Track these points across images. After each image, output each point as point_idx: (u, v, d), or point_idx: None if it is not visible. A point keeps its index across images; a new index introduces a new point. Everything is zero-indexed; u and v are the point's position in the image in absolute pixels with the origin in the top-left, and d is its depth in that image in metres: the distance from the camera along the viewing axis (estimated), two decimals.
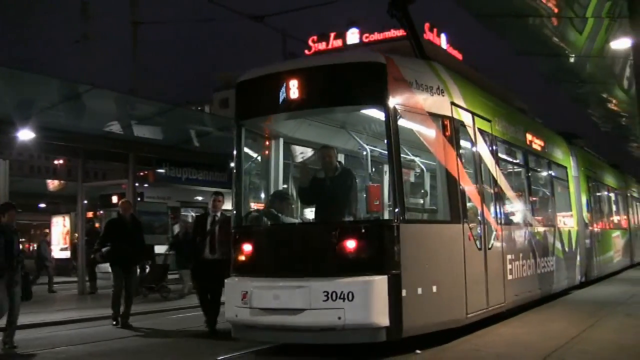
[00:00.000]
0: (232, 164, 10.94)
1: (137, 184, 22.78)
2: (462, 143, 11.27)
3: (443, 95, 10.81)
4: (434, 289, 9.85)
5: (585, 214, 19.97)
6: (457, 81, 11.56)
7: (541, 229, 15.34)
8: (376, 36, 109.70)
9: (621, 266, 25.54)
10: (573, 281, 17.86)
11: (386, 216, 9.76)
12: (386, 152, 10.14)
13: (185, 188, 25.60)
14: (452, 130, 10.76)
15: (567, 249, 17.26)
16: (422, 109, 10.32)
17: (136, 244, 14.65)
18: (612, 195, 26.01)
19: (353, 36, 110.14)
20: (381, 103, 9.70)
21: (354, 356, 9.53)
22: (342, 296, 9.07)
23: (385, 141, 9.69)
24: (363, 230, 9.49)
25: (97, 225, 27.51)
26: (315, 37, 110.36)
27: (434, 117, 10.47)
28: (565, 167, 18.65)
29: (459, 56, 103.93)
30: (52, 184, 38.32)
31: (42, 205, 41.51)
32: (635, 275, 21.27)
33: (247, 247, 10.10)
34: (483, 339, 10.19)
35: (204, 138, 24.98)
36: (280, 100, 10.11)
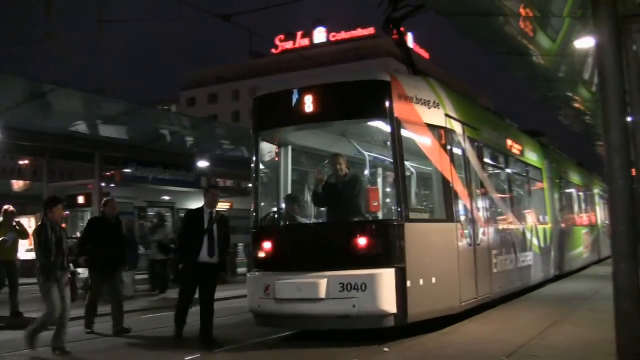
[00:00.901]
0: (251, 170, 12.12)
1: (103, 184, 22.44)
2: (455, 150, 12.55)
3: (438, 108, 12.10)
4: (433, 280, 11.11)
5: (557, 212, 21.37)
6: (449, 95, 12.91)
7: (520, 227, 16.67)
8: (343, 35, 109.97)
9: (590, 261, 26.88)
10: (548, 275, 19.09)
11: (392, 216, 11.19)
12: (383, 158, 12.89)
13: (152, 188, 25.36)
14: (446, 139, 12.14)
15: (542, 245, 18.56)
16: (421, 120, 11.68)
17: (120, 246, 13.54)
18: (580, 193, 27.37)
19: (320, 35, 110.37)
20: (387, 116, 11.06)
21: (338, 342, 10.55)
22: (355, 287, 10.32)
23: (390, 150, 11.11)
24: (373, 229, 10.83)
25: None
26: (282, 36, 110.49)
27: (431, 127, 11.84)
28: (540, 169, 20.06)
29: (426, 55, 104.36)
30: (17, 185, 37.85)
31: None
32: (601, 270, 21.60)
33: (268, 245, 11.26)
34: (449, 336, 10.32)
35: (171, 137, 24.83)
36: (297, 113, 11.49)
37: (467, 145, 13.23)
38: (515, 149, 17.66)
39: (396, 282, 10.37)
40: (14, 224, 15.45)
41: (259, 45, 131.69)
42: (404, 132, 11.16)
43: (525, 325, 10.94)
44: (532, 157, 19.39)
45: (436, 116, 12.01)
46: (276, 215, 12.38)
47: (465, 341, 9.75)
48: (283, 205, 12.41)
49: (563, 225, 22.22)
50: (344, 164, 12.06)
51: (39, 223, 10.41)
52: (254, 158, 12.05)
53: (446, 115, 12.30)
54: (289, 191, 12.69)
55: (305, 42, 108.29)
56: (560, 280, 19.64)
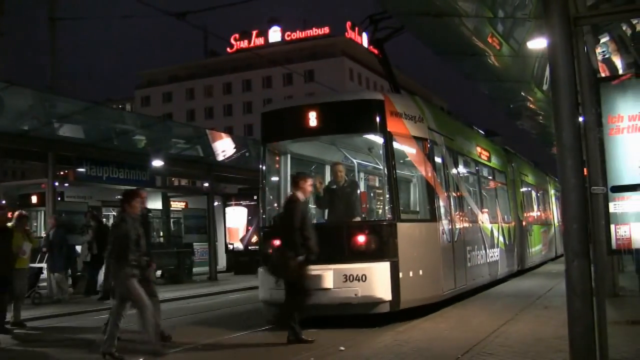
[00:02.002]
0: (260, 177, 13.87)
1: (57, 183, 22.10)
2: (436, 159, 14.31)
3: (422, 122, 13.94)
4: (421, 272, 12.76)
5: (520, 212, 23.34)
6: (431, 110, 14.98)
7: (489, 226, 18.31)
8: (298, 34, 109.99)
9: (548, 258, 28.41)
10: (512, 269, 20.72)
11: (386, 217, 12.88)
12: (367, 164, 15.88)
13: (107, 187, 25.07)
14: (429, 149, 13.88)
15: (507, 242, 20.27)
16: (409, 134, 13.47)
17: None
18: (539, 194, 29.15)
19: (275, 34, 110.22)
20: (381, 130, 12.95)
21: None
22: (357, 278, 12.03)
23: (383, 159, 12.96)
24: (370, 228, 12.58)
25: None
26: (237, 35, 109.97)
27: (417, 139, 13.64)
28: (504, 172, 21.94)
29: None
30: None
31: None
32: (556, 267, 22.00)
33: (277, 243, 11.87)
34: (405, 334, 10.41)
35: (125, 136, 24.59)
36: (302, 128, 13.30)
37: (446, 154, 15.03)
38: (484, 155, 19.46)
39: (391, 273, 12.09)
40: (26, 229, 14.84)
41: (215, 45, 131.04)
42: (395, 144, 12.95)
43: (481, 323, 11.06)
44: (497, 162, 21.17)
45: (421, 129, 13.82)
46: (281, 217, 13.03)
47: (422, 339, 9.84)
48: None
49: (524, 224, 23.81)
50: (343, 171, 13.89)
51: (119, 217, 10.10)
52: (261, 166, 13.84)
53: (429, 128, 14.09)
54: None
55: (261, 41, 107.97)
56: (517, 278, 20.11)
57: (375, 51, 16.10)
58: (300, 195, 11.22)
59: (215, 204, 30.90)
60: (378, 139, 13.28)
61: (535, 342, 9.09)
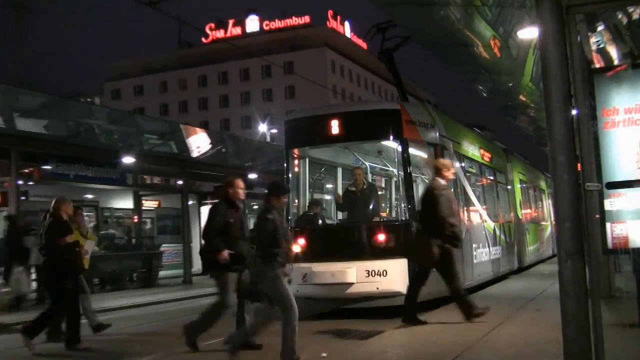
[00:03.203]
0: (286, 179, 15.66)
1: (20, 182, 21.92)
2: None
3: (434, 129, 15.64)
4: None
5: (519, 210, 25.00)
6: (440, 116, 16.62)
7: (492, 224, 19.86)
8: (277, 24, 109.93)
9: (545, 256, 29.56)
10: (512, 267, 22.30)
11: (404, 217, 14.86)
12: (374, 166, 18.28)
13: (74, 186, 24.88)
14: (440, 154, 15.18)
15: (508, 240, 21.89)
16: (422, 140, 15.19)
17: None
18: (536, 192, 30.73)
19: (253, 23, 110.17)
20: (398, 137, 14.72)
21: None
22: (378, 273, 13.78)
23: (400, 164, 14.80)
24: (390, 228, 14.44)
25: None
26: (212, 25, 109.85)
27: (429, 145, 15.31)
28: (504, 172, 23.67)
29: (364, 45, 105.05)
30: None
31: None
32: (549, 268, 22.20)
33: (302, 242, 14.60)
34: (392, 338, 10.51)
35: (94, 132, 24.42)
36: (324, 135, 15.20)
37: (454, 157, 16.43)
38: (486, 157, 21.21)
39: (408, 269, 13.39)
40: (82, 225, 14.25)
41: (189, 35, 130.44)
42: (410, 149, 14.60)
43: (471, 326, 11.13)
44: (497, 162, 22.92)
45: (433, 135, 15.51)
46: (306, 217, 15.55)
47: (409, 343, 9.92)
48: (308, 207, 15.89)
49: (523, 222, 25.58)
50: (363, 174, 15.93)
51: (264, 210, 9.79)
52: (285, 170, 15.66)
53: (440, 134, 15.78)
54: (308, 195, 16.39)
55: (238, 31, 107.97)
56: (508, 279, 20.45)
57: (386, 62, 17.90)
58: (442, 182, 12.22)
59: (190, 202, 30.76)
60: (395, 146, 15.08)
61: (527, 346, 9.14)
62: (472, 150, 19.57)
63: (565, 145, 6.24)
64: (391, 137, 15.15)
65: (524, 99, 23.09)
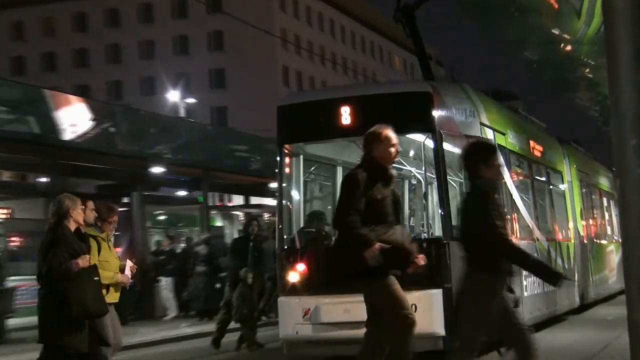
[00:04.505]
0: (277, 187, 17.89)
1: None
2: None
3: (474, 117, 17.39)
4: None
5: (579, 223, 26.77)
6: (482, 101, 18.43)
7: (545, 244, 21.76)
8: None
9: (615, 289, 30.49)
10: (572, 303, 24.18)
11: (438, 234, 16.39)
12: (400, 167, 18.35)
13: None
14: None
15: (566, 266, 23.60)
16: (459, 132, 16.69)
17: None
18: (604, 200, 32.17)
19: None
20: (430, 130, 15.97)
21: None
22: None
23: (433, 165, 16.09)
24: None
25: None
26: None
27: (468, 138, 16.04)
28: (561, 172, 25.83)
29: None
30: None
31: None
32: (615, 311, 22.22)
33: (302, 267, 16.33)
34: None
35: None
36: (332, 126, 16.67)
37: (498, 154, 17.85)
38: (537, 150, 23.41)
39: (444, 302, 14.76)
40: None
41: None
42: (445, 145, 15.98)
43: None
44: (552, 158, 25.30)
45: (472, 126, 17.20)
46: (305, 235, 17.48)
47: None
48: (306, 222, 17.85)
49: (586, 241, 27.47)
50: None
51: (478, 186, 10.18)
52: (278, 173, 17.59)
53: (481, 123, 17.54)
54: (303, 204, 18.44)
55: None
56: (564, 321, 22.19)
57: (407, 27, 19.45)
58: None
59: None
60: (426, 141, 16.44)
61: None
62: (520, 142, 21.45)
63: (637, 123, 6.13)
64: (421, 129, 16.49)
65: (568, 48, 23.63)
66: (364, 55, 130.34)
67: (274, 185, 44.82)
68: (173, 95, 69.87)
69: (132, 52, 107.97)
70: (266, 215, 41.66)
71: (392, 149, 11.10)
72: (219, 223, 45.54)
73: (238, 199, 52.89)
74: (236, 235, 33.24)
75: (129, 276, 14.19)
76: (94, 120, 31.99)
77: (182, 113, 63.53)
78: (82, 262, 12.45)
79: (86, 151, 31.78)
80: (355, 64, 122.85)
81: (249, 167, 44.55)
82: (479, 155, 10.20)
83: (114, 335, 13.80)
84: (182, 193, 44.57)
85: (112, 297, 14.01)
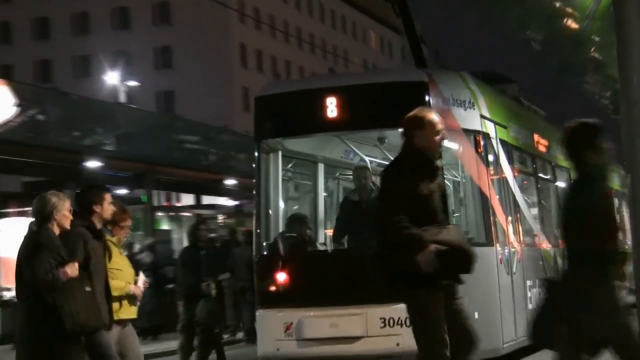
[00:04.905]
0: (255, 187, 18.40)
1: None
2: (489, 158, 18.49)
3: (474, 109, 17.95)
4: (476, 315, 14.75)
5: None
6: (482, 90, 19.07)
7: (551, 250, 22.40)
8: None
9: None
10: None
11: None
12: (382, 162, 19.23)
13: None
14: (482, 146, 17.73)
15: None
16: (458, 126, 17.14)
17: None
18: (616, 200, 32.22)
19: None
20: None
21: None
22: (399, 322, 15.24)
23: None
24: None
25: None
26: None
27: (467, 133, 17.44)
28: (568, 170, 25.46)
29: None
30: None
31: None
32: None
33: (283, 276, 16.67)
34: None
35: None
36: (317, 120, 17.40)
37: (499, 151, 19.14)
38: (542, 145, 24.26)
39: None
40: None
41: None
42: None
43: None
44: (557, 153, 25.41)
45: (472, 119, 17.77)
46: (287, 240, 17.81)
47: None
48: (287, 227, 18.25)
49: None
50: (369, 178, 17.91)
51: (591, 174, 9.87)
52: (256, 171, 18.15)
53: (481, 116, 18.17)
54: (283, 206, 18.89)
55: None
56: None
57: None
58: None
59: None
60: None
61: None
62: (524, 136, 22.26)
63: None
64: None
65: (596, 54, 24.13)
66: (334, 30, 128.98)
67: (230, 182, 44.40)
68: (111, 77, 69.17)
69: (63, 26, 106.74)
70: (220, 217, 41.14)
71: (438, 136, 10.83)
72: (165, 226, 45.86)
73: (188, 199, 52.86)
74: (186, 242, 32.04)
75: (142, 289, 14.07)
76: (18, 106, 31.59)
77: (122, 98, 62.79)
78: (71, 271, 11.99)
79: (9, 142, 31.19)
80: (324, 41, 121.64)
81: (200, 162, 44.39)
82: (583, 140, 9.77)
83: (129, 356, 13.76)
84: (122, 192, 43.46)
85: (128, 312, 13.90)
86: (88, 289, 12.40)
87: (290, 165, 20.15)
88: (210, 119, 48.67)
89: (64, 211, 12.36)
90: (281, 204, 18.75)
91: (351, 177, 19.74)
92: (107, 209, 13.07)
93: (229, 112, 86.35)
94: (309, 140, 19.51)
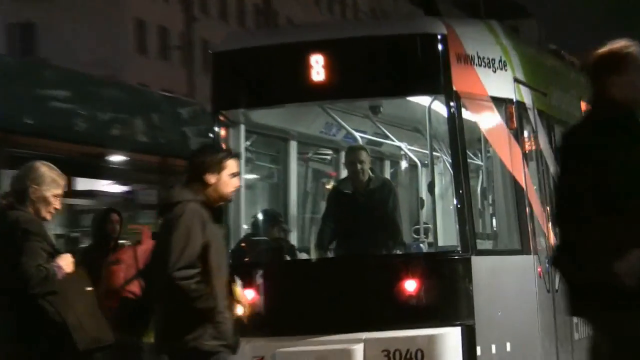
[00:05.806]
0: None
1: None
2: (526, 136, 15.84)
3: (506, 70, 15.99)
4: (508, 346, 14.24)
5: None
6: (515, 45, 17.01)
7: None
8: None
9: None
10: None
11: (453, 245, 15.12)
12: (388, 142, 17.98)
13: None
14: (517, 120, 15.66)
15: None
16: (485, 92, 15.36)
17: None
18: None
19: None
20: (443, 91, 14.51)
21: None
22: (408, 355, 13.33)
23: (449, 142, 14.92)
24: (427, 266, 14.17)
25: None
26: None
27: (497, 102, 15.52)
28: None
29: None
30: None
31: None
32: None
33: (252, 295, 13.66)
34: None
35: None
36: (298, 85, 15.03)
37: (537, 125, 16.91)
38: None
39: (463, 347, 13.44)
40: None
41: None
42: (464, 113, 14.72)
43: None
44: None
45: (503, 83, 15.71)
46: (254, 246, 15.85)
47: None
48: (253, 227, 15.77)
49: None
50: (367, 162, 15.84)
51: None
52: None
53: (515, 79, 16.13)
54: (245, 198, 16.74)
55: None
56: None
57: None
58: None
59: None
60: (436, 105, 15.20)
61: None
62: (567, 104, 19.56)
63: None
64: (429, 89, 14.87)
65: None
66: None
67: (117, 159, 38.11)
68: None
69: None
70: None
71: None
72: None
73: None
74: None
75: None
76: None
77: None
78: (66, 264, 10.36)
79: None
80: None
81: (72, 128, 37.65)
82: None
83: None
84: None
85: None
86: (88, 288, 11.08)
87: (249, 143, 16.79)
88: (89, 66, 42.97)
89: (57, 190, 10.99)
90: (242, 196, 15.64)
91: (330, 158, 17.57)
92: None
93: (117, 56, 74.96)
94: (280, 113, 16.81)
